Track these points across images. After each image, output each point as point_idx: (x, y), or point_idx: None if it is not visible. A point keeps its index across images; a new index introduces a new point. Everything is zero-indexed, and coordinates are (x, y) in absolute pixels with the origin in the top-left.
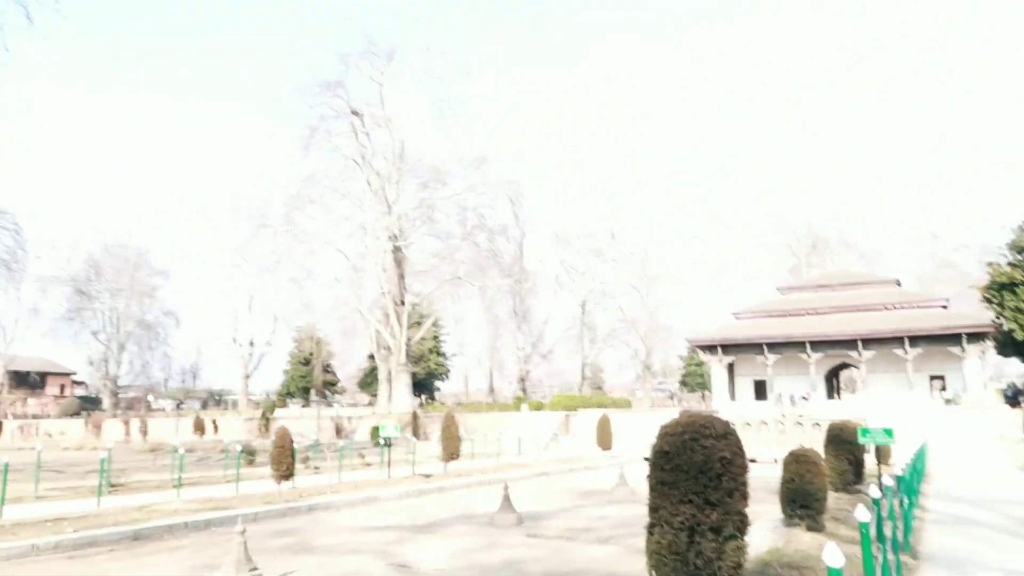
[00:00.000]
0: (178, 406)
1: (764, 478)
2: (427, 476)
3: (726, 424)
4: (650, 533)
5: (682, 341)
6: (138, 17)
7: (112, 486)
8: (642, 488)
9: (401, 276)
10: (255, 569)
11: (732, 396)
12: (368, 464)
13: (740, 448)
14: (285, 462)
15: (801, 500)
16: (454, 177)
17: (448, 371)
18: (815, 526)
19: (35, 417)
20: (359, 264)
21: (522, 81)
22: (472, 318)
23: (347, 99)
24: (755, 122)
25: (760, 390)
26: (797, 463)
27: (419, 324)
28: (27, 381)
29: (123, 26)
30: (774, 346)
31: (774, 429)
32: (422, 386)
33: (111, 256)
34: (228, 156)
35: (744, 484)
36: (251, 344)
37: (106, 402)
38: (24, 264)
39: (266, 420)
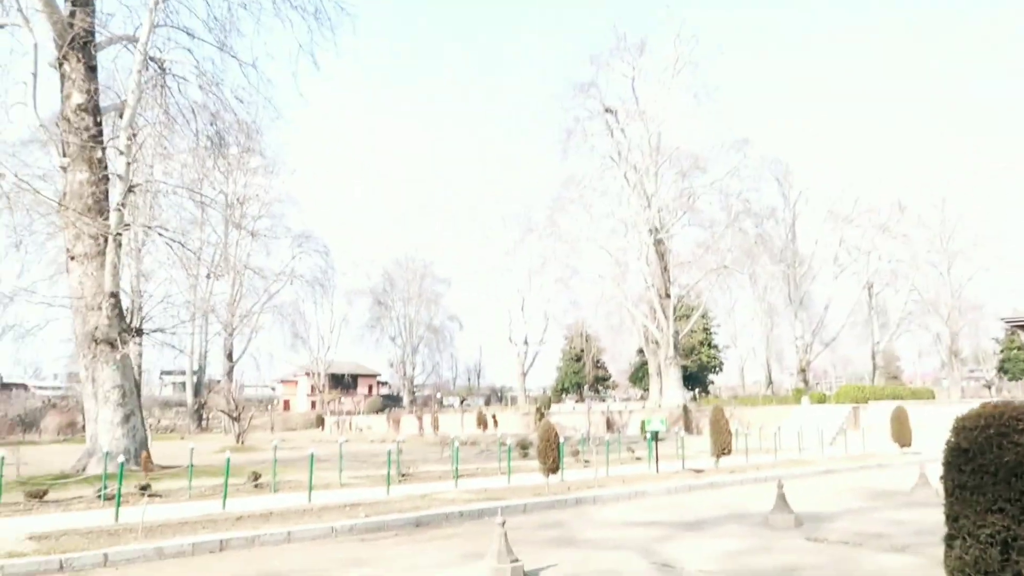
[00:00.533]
0: (462, 402)
1: None
2: (697, 471)
3: None
4: (949, 546)
5: (996, 322)
6: (390, 38)
7: (402, 475)
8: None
9: (664, 269)
10: (516, 560)
11: None
12: (637, 458)
13: None
14: (551, 455)
15: None
16: (714, 163)
17: (721, 364)
18: None
19: (348, 414)
20: (622, 259)
21: (778, 55)
22: (744, 308)
23: (600, 98)
24: None
25: None
26: None
27: (687, 317)
28: (342, 382)
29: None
30: None
31: None
32: (694, 379)
33: (402, 269)
34: (493, 163)
35: None
36: (525, 343)
37: (405, 400)
38: (333, 281)
39: (540, 415)
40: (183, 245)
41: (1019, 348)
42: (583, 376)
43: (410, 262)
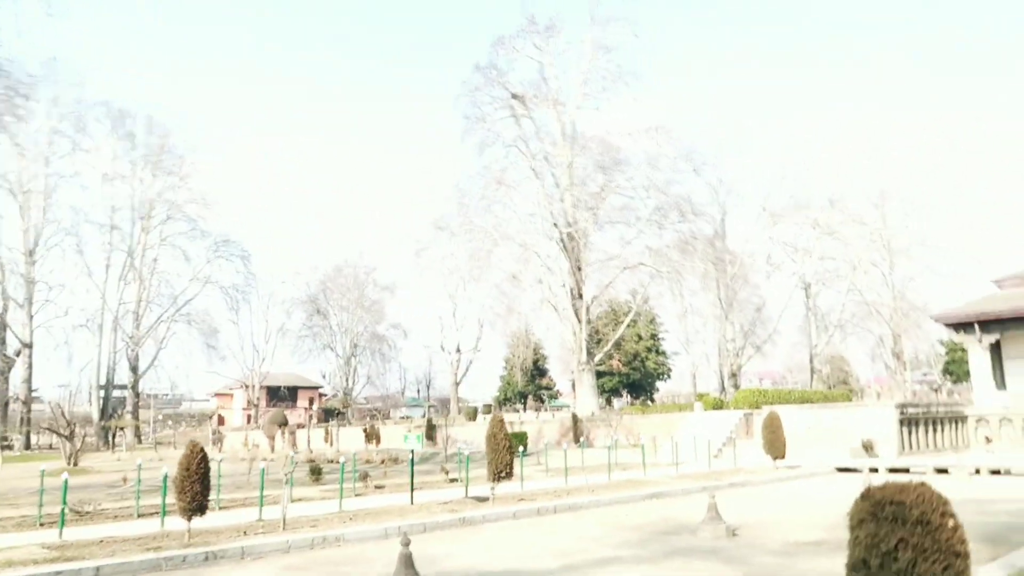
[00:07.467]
0: (403, 416)
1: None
2: (480, 500)
3: None
4: None
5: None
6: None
7: (79, 515)
8: (750, 527)
9: (578, 268)
10: None
11: (1000, 383)
12: (452, 480)
13: None
14: (190, 492)
15: None
16: (632, 154)
17: (669, 370)
18: None
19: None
20: (541, 261)
21: (702, 38)
22: (695, 312)
23: (504, 83)
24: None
25: None
26: (877, 521)
27: (609, 320)
28: (279, 395)
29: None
30: None
31: None
32: (638, 387)
33: (341, 276)
34: (416, 161)
35: None
36: (458, 351)
37: (348, 413)
38: (254, 288)
39: (432, 428)
40: None
41: (962, 350)
42: (524, 385)
43: (350, 268)
